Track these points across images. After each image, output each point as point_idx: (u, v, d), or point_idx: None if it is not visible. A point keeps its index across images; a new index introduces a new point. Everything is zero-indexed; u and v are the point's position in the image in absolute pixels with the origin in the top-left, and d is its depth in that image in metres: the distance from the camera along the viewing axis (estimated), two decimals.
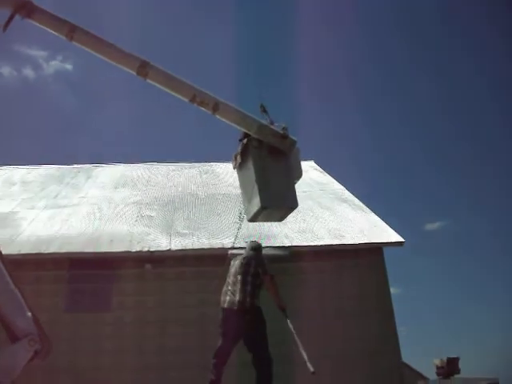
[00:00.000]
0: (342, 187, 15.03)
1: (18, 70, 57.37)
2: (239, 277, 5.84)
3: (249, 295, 5.70)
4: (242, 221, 6.05)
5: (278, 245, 10.92)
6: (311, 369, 5.03)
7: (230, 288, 5.94)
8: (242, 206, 5.00)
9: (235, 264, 6.13)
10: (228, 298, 5.87)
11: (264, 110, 4.58)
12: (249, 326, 5.68)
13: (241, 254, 6.36)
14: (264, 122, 4.77)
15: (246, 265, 5.89)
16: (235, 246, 10.12)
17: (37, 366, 5.02)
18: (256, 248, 6.31)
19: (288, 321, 5.65)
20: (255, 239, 6.77)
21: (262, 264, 5.84)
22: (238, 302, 5.72)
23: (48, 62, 56.78)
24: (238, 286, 5.78)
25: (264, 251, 6.59)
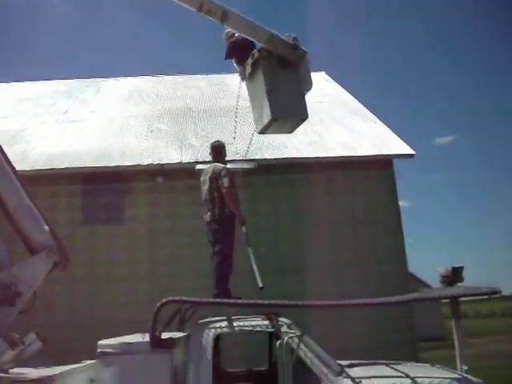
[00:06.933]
0: (353, 99, 14.76)
1: None
2: (206, 196, 5.79)
3: (217, 207, 5.68)
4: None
5: (287, 156, 10.92)
6: (260, 284, 5.12)
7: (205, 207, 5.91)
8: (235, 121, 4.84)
9: (202, 181, 6.02)
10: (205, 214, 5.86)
11: None
12: (214, 230, 5.71)
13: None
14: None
15: (209, 181, 5.79)
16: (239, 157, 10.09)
17: (57, 276, 5.22)
18: (212, 150, 6.15)
19: (246, 236, 5.54)
20: (217, 140, 6.47)
21: (217, 177, 5.69)
22: (210, 215, 5.69)
23: None
24: (209, 205, 5.75)
25: (230, 165, 6.45)
